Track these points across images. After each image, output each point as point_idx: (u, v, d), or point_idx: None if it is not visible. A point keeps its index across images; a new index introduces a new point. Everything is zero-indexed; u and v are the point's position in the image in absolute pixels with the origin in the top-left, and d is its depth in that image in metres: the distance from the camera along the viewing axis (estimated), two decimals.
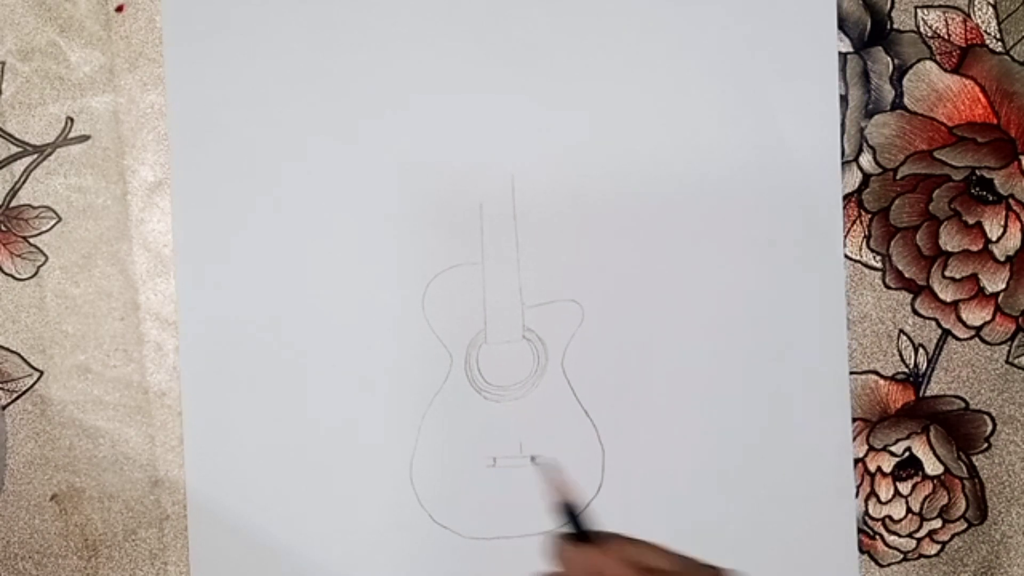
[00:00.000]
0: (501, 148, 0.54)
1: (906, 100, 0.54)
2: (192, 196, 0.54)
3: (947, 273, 0.54)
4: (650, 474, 0.53)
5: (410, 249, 0.54)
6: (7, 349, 0.54)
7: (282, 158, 0.54)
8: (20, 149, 0.54)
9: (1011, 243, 0.54)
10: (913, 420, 0.54)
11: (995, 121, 0.54)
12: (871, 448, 0.54)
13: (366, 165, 0.54)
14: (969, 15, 0.54)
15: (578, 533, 0.45)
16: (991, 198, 0.54)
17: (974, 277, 0.54)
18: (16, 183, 0.54)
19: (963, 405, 0.54)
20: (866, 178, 0.54)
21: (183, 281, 0.54)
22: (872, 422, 0.54)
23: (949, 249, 0.54)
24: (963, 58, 0.54)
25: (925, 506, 0.54)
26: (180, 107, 0.54)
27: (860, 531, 0.54)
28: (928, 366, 0.54)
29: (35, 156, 0.54)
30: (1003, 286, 0.54)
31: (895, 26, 0.54)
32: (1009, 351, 0.54)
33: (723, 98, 0.54)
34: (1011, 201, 0.54)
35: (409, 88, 0.54)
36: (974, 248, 0.54)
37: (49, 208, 0.54)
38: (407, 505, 0.54)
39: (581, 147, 0.54)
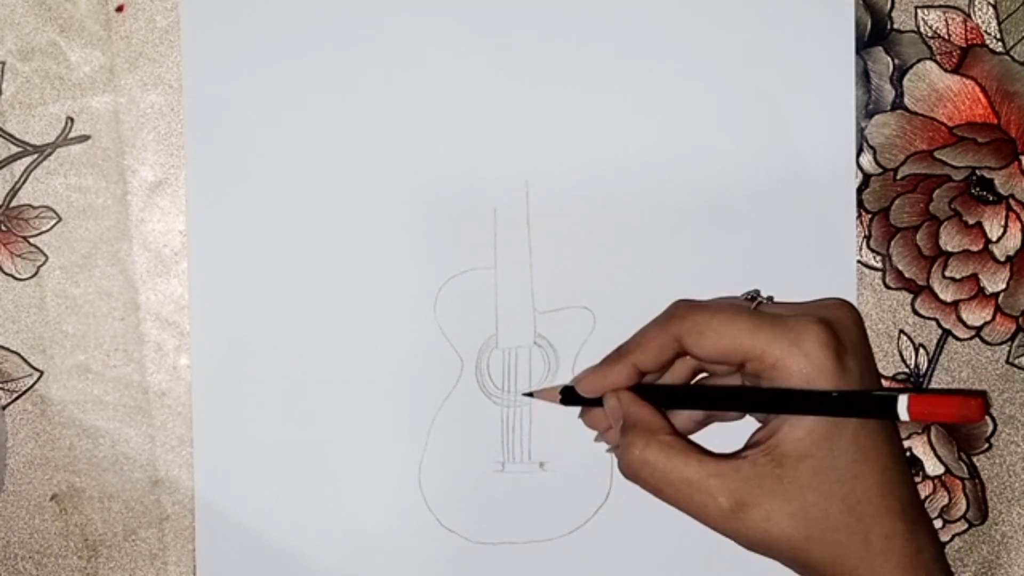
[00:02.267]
0: (516, 154, 0.54)
1: (906, 100, 0.54)
2: (203, 198, 0.54)
3: (947, 273, 0.54)
4: None
5: (423, 253, 0.54)
6: (7, 349, 0.54)
7: (295, 160, 0.54)
8: (20, 149, 0.54)
9: (1011, 243, 0.54)
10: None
11: (995, 121, 0.54)
12: None
13: (380, 168, 0.54)
14: (969, 15, 0.54)
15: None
16: (991, 198, 0.54)
17: (974, 277, 0.54)
18: (16, 183, 0.54)
19: None
20: (866, 178, 0.54)
21: (194, 283, 0.54)
22: None
23: (949, 249, 0.54)
24: (963, 58, 0.54)
25: (926, 506, 0.54)
26: (195, 107, 0.54)
27: None
28: (929, 366, 0.54)
29: (35, 156, 0.54)
30: (1003, 286, 0.54)
31: (895, 26, 0.54)
32: (1009, 351, 0.54)
33: (739, 106, 0.54)
34: (1011, 201, 0.54)
35: (425, 92, 0.54)
36: (974, 248, 0.54)
37: (49, 208, 0.54)
38: (415, 508, 0.54)
39: (596, 154, 0.54)
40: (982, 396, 0.49)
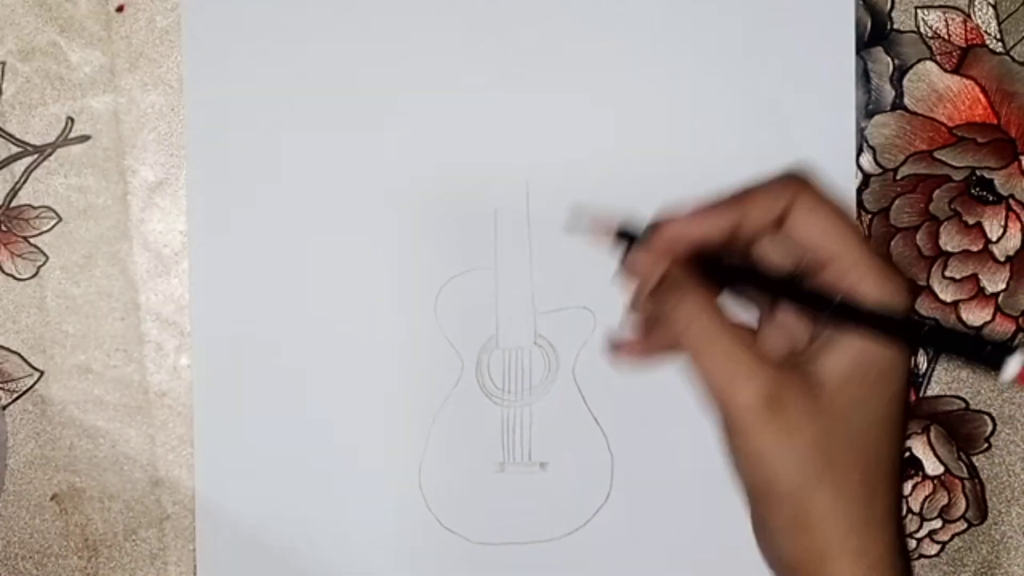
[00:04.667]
0: (516, 154, 0.54)
1: (906, 100, 0.54)
2: (203, 198, 0.54)
3: (947, 273, 0.54)
4: (659, 482, 0.53)
5: (423, 253, 0.54)
6: (7, 349, 0.54)
7: (295, 161, 0.54)
8: (20, 149, 0.54)
9: (1011, 243, 0.54)
10: (913, 420, 0.54)
11: (995, 121, 0.54)
12: None
13: (380, 168, 0.54)
14: (969, 15, 0.54)
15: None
16: (991, 198, 0.54)
17: (974, 277, 0.54)
18: (16, 183, 0.54)
19: (963, 405, 0.54)
20: (866, 178, 0.54)
21: (194, 283, 0.54)
22: None
23: (949, 249, 0.54)
24: (963, 58, 0.54)
25: (925, 506, 0.54)
26: (194, 107, 0.54)
27: None
28: (928, 366, 0.54)
29: (35, 156, 0.54)
30: (1003, 286, 0.54)
31: (895, 26, 0.54)
32: None
33: (739, 106, 0.54)
34: (1011, 201, 0.54)
35: (425, 92, 0.54)
36: (974, 248, 0.54)
37: (49, 208, 0.54)
38: (415, 509, 0.54)
39: (597, 155, 0.54)
40: None
